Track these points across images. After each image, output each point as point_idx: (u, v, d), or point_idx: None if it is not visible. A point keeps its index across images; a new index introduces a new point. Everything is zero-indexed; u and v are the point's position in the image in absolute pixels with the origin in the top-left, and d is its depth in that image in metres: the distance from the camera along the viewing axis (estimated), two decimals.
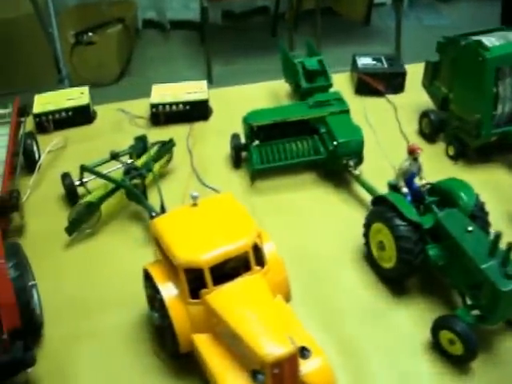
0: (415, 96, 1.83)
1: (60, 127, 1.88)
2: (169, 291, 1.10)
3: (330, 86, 1.72)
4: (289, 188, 1.58)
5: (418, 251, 1.20)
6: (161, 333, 1.18)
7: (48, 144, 1.77)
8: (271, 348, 0.97)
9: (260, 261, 1.12)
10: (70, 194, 1.57)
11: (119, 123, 1.90)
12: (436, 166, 1.49)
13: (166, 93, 1.85)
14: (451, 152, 1.61)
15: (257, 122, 1.57)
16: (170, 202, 1.46)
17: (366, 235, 1.32)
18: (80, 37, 3.69)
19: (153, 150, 1.59)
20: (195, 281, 1.08)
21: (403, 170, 1.29)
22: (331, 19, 3.89)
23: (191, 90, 1.86)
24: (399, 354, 1.16)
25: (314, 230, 1.44)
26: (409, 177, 1.29)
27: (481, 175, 1.55)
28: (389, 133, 1.70)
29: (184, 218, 1.16)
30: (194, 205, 1.17)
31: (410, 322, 1.21)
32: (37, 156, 1.74)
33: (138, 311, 1.27)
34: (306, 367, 1.00)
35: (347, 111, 1.59)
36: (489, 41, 1.49)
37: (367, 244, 1.32)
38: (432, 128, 1.65)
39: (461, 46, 1.51)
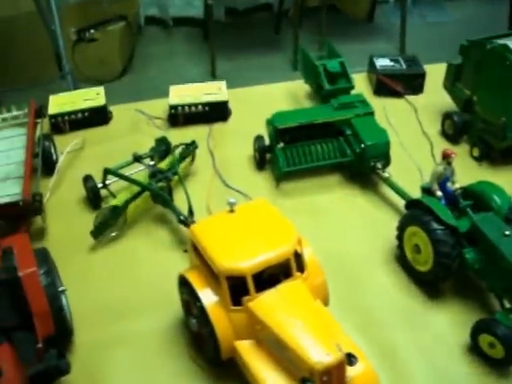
0: (434, 97, 1.83)
1: (76, 128, 1.86)
2: (209, 298, 1.09)
3: (352, 87, 1.72)
4: (315, 190, 1.57)
5: (455, 255, 1.20)
6: (198, 339, 1.17)
7: (64, 145, 1.74)
8: (320, 356, 0.97)
9: (300, 266, 1.11)
10: (93, 197, 1.55)
11: (136, 124, 1.88)
12: (461, 167, 1.48)
13: (184, 94, 1.83)
14: (476, 153, 1.61)
15: (282, 124, 1.56)
16: (194, 204, 1.44)
17: (400, 238, 1.32)
18: (82, 34, 3.65)
19: (177, 153, 1.58)
20: (235, 287, 1.07)
21: (437, 174, 1.29)
22: (334, 16, 3.88)
23: (210, 90, 1.84)
24: (436, 356, 1.17)
25: (343, 232, 1.44)
26: (442, 181, 1.29)
27: (505, 176, 1.55)
28: (411, 134, 1.70)
29: (222, 224, 1.15)
30: (231, 211, 1.16)
31: (446, 324, 1.22)
32: (54, 157, 1.71)
33: (171, 315, 1.26)
34: (351, 372, 1.00)
35: (372, 113, 1.59)
36: None
37: (400, 246, 1.32)
38: (455, 129, 1.65)
39: (486, 49, 1.52)
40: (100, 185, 1.55)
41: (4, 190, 1.51)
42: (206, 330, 1.09)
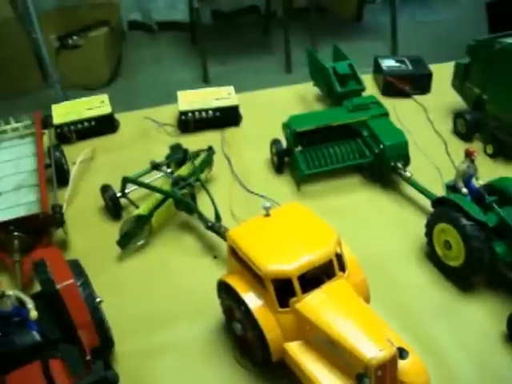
0: (442, 96, 1.88)
1: (83, 137, 1.84)
2: (254, 302, 1.10)
3: (364, 89, 1.74)
4: (336, 191, 1.59)
5: (486, 249, 1.23)
6: (243, 342, 1.17)
7: (72, 155, 1.72)
8: (374, 352, 0.98)
9: (341, 266, 1.13)
10: (113, 206, 1.53)
11: (145, 131, 1.87)
12: (476, 164, 1.52)
13: (193, 100, 1.83)
14: (489, 150, 1.66)
15: (300, 127, 1.57)
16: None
17: (429, 235, 1.34)
18: (64, 41, 3.60)
19: (198, 159, 1.57)
20: (278, 289, 1.08)
21: (462, 172, 1.32)
22: (322, 17, 3.88)
23: (219, 96, 1.84)
24: (477, 346, 1.20)
25: (370, 232, 1.45)
26: (467, 178, 1.33)
27: None
28: (423, 133, 1.73)
29: (260, 228, 1.16)
30: (267, 215, 1.17)
31: (483, 315, 1.25)
32: (66, 168, 1.69)
33: (211, 320, 1.27)
34: (401, 365, 1.02)
35: (387, 114, 1.62)
36: None
37: (430, 243, 1.35)
38: (468, 128, 1.70)
39: (495, 49, 1.56)
40: (119, 194, 1.54)
41: (19, 198, 1.50)
42: (254, 334, 1.09)
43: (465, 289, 1.30)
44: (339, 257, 1.13)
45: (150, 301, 1.33)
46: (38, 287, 1.16)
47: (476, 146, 1.69)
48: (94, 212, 1.59)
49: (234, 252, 1.15)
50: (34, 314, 1.04)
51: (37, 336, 1.03)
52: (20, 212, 1.44)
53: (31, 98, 3.59)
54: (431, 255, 1.37)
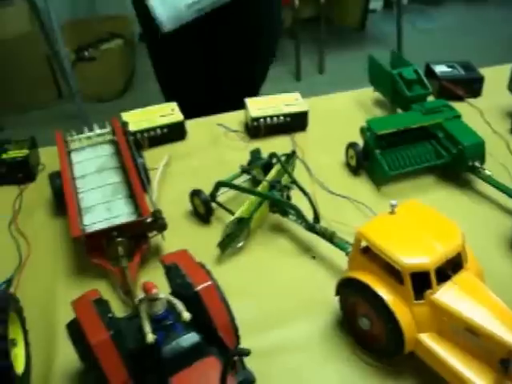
0: (493, 98, 2.00)
1: (154, 144, 1.87)
2: (388, 296, 1.16)
3: (430, 93, 1.83)
4: (415, 190, 1.66)
5: None
6: (366, 337, 1.23)
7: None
8: None
9: (465, 258, 1.20)
10: (206, 211, 1.57)
11: (215, 138, 1.92)
12: None
13: (263, 106, 1.89)
14: None
15: (381, 130, 1.64)
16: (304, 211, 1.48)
17: None
18: (81, 53, 3.61)
19: (286, 162, 1.62)
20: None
21: None
22: (327, 26, 4.01)
23: (288, 102, 1.91)
24: None
25: None
26: None
27: None
28: (482, 133, 1.80)
29: (388, 225, 1.22)
30: (392, 212, 1.23)
31: None
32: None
33: (321, 318, 1.30)
34: None
35: (459, 116, 1.71)
36: None
37: None
38: None
39: None
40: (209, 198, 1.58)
41: (104, 179, 1.58)
42: (387, 327, 1.16)
43: None
44: (463, 250, 1.20)
45: (256, 302, 1.36)
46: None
47: None
48: (179, 217, 1.62)
49: (363, 248, 1.21)
50: (186, 315, 1.05)
51: (196, 336, 1.06)
52: (108, 192, 1.54)
53: (45, 112, 3.58)
54: None
